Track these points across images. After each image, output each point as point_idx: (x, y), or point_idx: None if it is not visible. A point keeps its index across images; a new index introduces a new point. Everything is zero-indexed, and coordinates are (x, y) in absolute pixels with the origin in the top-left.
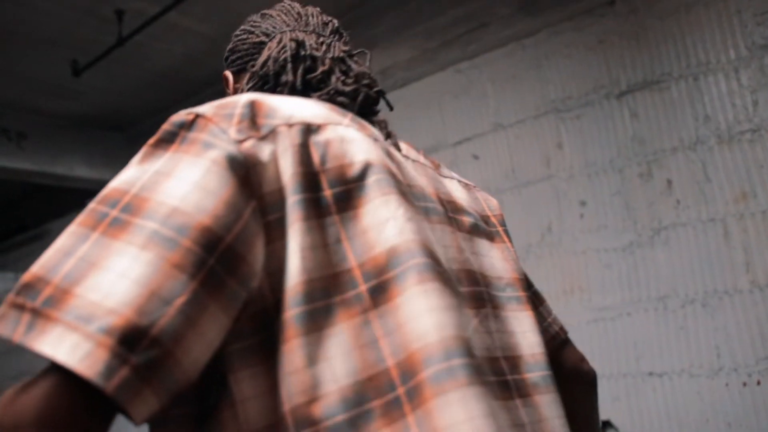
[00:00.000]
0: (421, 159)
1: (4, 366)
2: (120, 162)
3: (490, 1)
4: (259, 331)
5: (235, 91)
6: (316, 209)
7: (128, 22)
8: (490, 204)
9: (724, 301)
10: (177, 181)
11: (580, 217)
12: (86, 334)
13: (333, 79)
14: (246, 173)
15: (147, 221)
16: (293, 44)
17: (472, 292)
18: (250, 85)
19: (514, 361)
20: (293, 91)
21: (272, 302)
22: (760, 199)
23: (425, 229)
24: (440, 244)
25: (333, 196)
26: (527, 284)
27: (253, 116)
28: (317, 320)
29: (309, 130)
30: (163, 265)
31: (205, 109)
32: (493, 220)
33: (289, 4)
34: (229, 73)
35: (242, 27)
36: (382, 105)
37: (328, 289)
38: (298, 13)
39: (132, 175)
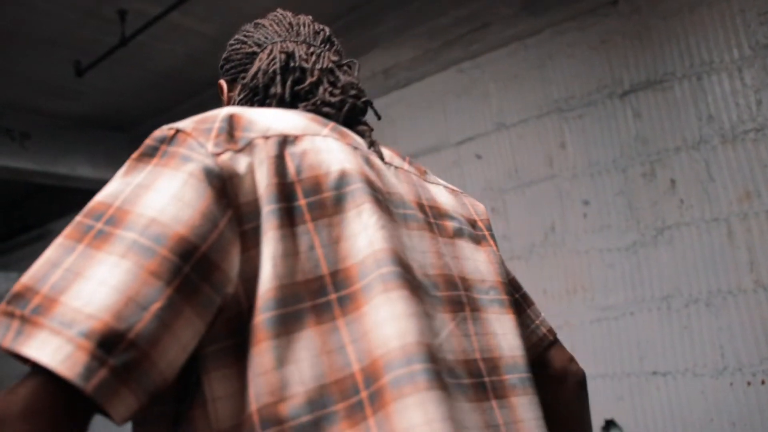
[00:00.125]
0: (405, 166)
1: (9, 366)
2: (122, 162)
3: (492, 0)
4: (233, 335)
5: (229, 100)
6: (289, 218)
7: (131, 22)
8: (477, 209)
9: (728, 300)
10: (156, 194)
11: (583, 217)
12: (68, 337)
13: (321, 89)
14: (222, 185)
15: (127, 232)
16: (283, 56)
17: (450, 296)
18: (241, 96)
19: (493, 363)
20: (282, 102)
21: (247, 307)
22: (764, 199)
23: (401, 235)
24: (418, 250)
25: (307, 205)
26: (513, 287)
27: (230, 130)
28: (287, 324)
29: (285, 141)
30: (141, 272)
31: (185, 124)
32: (480, 224)
33: (281, 14)
34: (223, 82)
35: (236, 36)
36: (380, 109)
37: (299, 295)
38: (290, 23)
39: (116, 188)
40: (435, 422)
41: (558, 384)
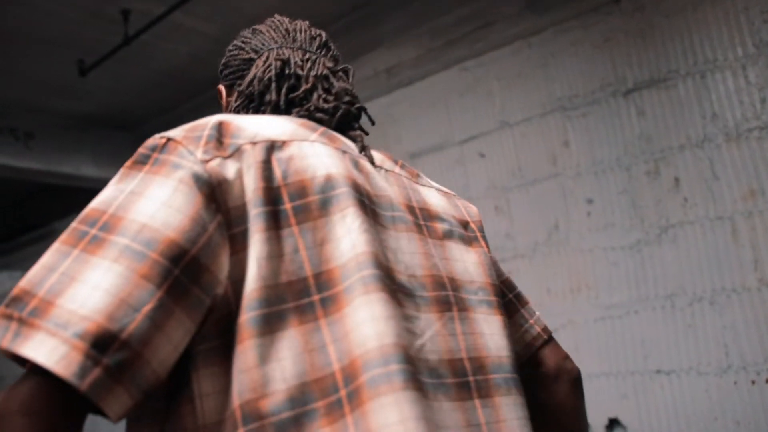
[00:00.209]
0: (396, 169)
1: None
2: (126, 161)
3: None
4: (223, 335)
5: (227, 105)
6: (275, 221)
7: (134, 22)
8: (469, 211)
9: (732, 299)
10: (148, 200)
11: (587, 215)
12: (63, 338)
13: (315, 96)
14: (211, 190)
15: (120, 237)
16: (278, 63)
17: (437, 296)
18: (237, 102)
19: (480, 362)
20: (276, 109)
21: (236, 308)
22: None
23: (387, 238)
24: (406, 252)
25: (293, 209)
26: (507, 287)
27: (219, 137)
28: (271, 324)
29: (273, 147)
30: (132, 276)
31: (176, 132)
32: (472, 225)
33: (278, 20)
34: (222, 87)
35: (234, 42)
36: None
37: (283, 296)
38: (286, 30)
39: (110, 195)
40: (409, 421)
41: (553, 382)
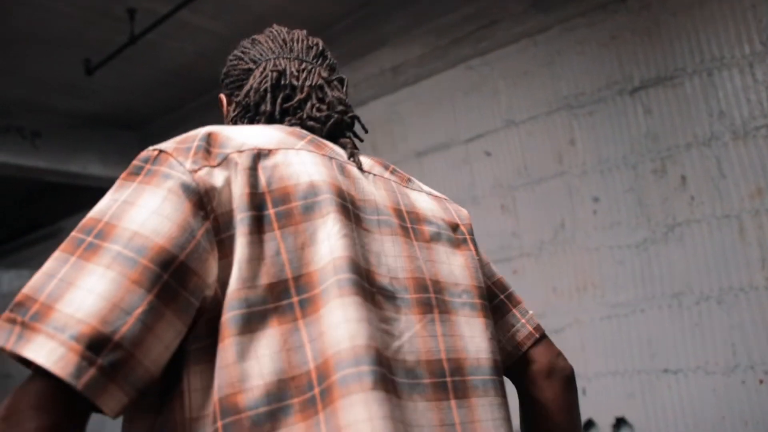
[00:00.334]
0: (386, 174)
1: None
2: (133, 160)
3: None
4: (212, 334)
5: (227, 114)
6: (258, 225)
7: (140, 20)
8: (460, 214)
9: (739, 298)
10: (139, 209)
11: (593, 214)
12: (60, 341)
13: (308, 105)
14: (199, 198)
15: (113, 244)
16: (275, 74)
17: (419, 299)
18: (235, 112)
19: (458, 363)
20: (271, 118)
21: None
22: None
23: (369, 242)
24: (390, 255)
25: (276, 214)
26: (499, 288)
27: (207, 147)
28: (251, 323)
29: (259, 155)
30: (124, 281)
31: (167, 144)
32: (462, 228)
33: (277, 30)
34: (223, 96)
35: (234, 52)
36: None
37: (264, 297)
38: (284, 40)
39: (105, 204)
40: (376, 420)
41: (545, 379)
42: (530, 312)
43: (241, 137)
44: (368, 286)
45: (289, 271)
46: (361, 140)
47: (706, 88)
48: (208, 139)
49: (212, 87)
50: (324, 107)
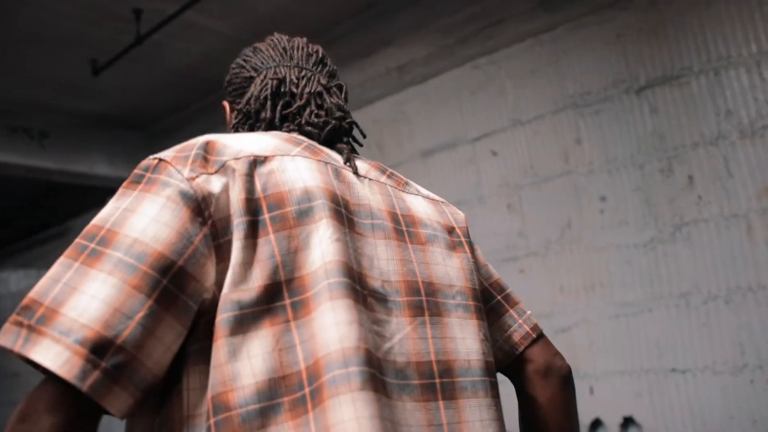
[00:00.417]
0: (382, 178)
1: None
2: (139, 160)
3: None
4: (210, 336)
5: (230, 120)
6: (253, 230)
7: (146, 21)
8: (456, 217)
9: (747, 297)
10: (139, 216)
11: (600, 213)
12: (66, 345)
13: (307, 111)
14: (197, 205)
15: (115, 251)
16: (275, 82)
17: (410, 301)
18: (237, 119)
19: (448, 365)
20: (271, 125)
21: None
22: None
23: (363, 245)
24: (382, 258)
25: (270, 218)
26: (496, 289)
27: (205, 155)
28: (244, 324)
29: (255, 162)
30: (125, 287)
31: (167, 153)
32: (458, 231)
33: (277, 38)
34: (226, 104)
35: (236, 60)
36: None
37: (257, 298)
38: (284, 48)
39: (107, 212)
40: (363, 419)
41: (542, 379)
42: (528, 312)
43: (238, 145)
44: (360, 289)
45: (282, 273)
46: (360, 144)
47: (713, 87)
48: (206, 147)
49: (218, 87)
50: (322, 113)
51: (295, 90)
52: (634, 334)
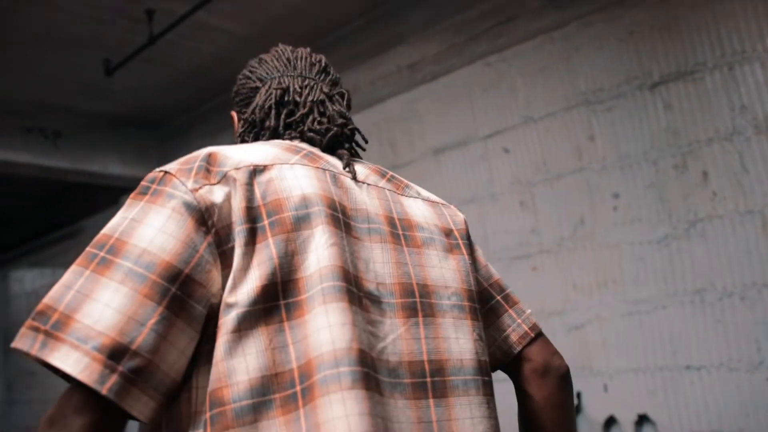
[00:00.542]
0: (381, 183)
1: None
2: (152, 159)
3: None
4: (215, 337)
5: (237, 129)
6: (253, 236)
7: (158, 21)
8: (455, 219)
9: (763, 294)
10: (146, 227)
11: (613, 210)
12: (84, 351)
13: (310, 119)
14: (200, 215)
15: (124, 261)
16: (278, 92)
17: (404, 303)
18: (242, 129)
19: (440, 365)
20: (275, 133)
21: None
22: None
23: (359, 249)
24: (378, 261)
25: (269, 224)
26: (495, 290)
27: (208, 167)
28: (241, 323)
29: (255, 171)
30: (137, 296)
31: (172, 166)
32: (456, 233)
33: (281, 49)
34: (234, 114)
35: (243, 71)
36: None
37: (254, 299)
38: (288, 59)
39: (116, 221)
40: (352, 416)
41: (540, 377)
42: (527, 312)
43: (239, 155)
44: (356, 291)
45: (279, 275)
46: (363, 149)
47: (727, 83)
48: (208, 159)
49: (229, 87)
50: (324, 120)
51: (298, 99)
52: (647, 331)
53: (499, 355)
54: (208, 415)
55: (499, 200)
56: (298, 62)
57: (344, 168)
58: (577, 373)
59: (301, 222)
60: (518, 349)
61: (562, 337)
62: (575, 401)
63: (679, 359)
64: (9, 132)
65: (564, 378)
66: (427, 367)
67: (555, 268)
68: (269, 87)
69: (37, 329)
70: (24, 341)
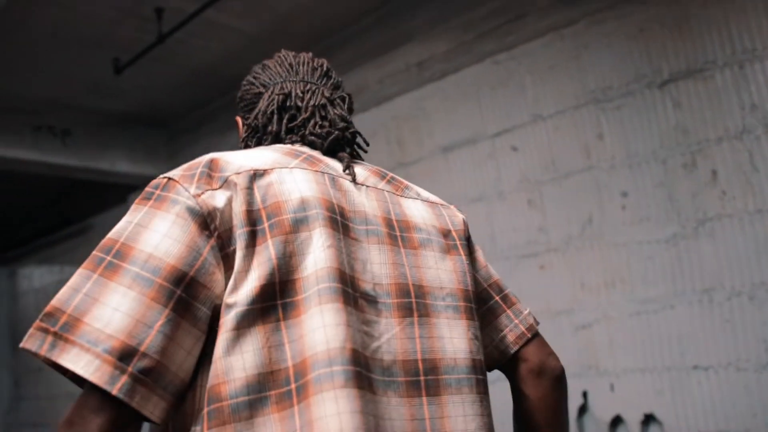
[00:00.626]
0: (380, 185)
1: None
2: (161, 157)
3: None
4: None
5: (242, 134)
6: (253, 239)
7: (167, 19)
8: (454, 220)
9: None
10: (152, 232)
11: (621, 209)
12: (95, 353)
13: (311, 123)
14: (203, 219)
15: (131, 266)
16: (281, 97)
17: (400, 303)
18: (246, 133)
19: (434, 363)
20: (277, 138)
21: None
22: None
23: (356, 250)
24: (375, 262)
25: (269, 226)
26: (494, 290)
27: (209, 172)
28: (240, 322)
29: (255, 175)
30: (144, 299)
31: (175, 172)
32: (454, 234)
33: (284, 55)
34: (239, 119)
35: (247, 77)
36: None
37: (253, 298)
38: (290, 64)
39: (122, 226)
40: (344, 414)
41: (536, 378)
42: (525, 312)
43: (239, 161)
44: (352, 291)
45: (277, 275)
46: (365, 151)
47: (737, 81)
48: (210, 165)
49: (238, 85)
50: (326, 124)
51: (300, 103)
52: (655, 330)
53: (497, 355)
54: (206, 410)
55: (507, 198)
56: (300, 67)
57: (344, 170)
58: (583, 373)
59: (299, 224)
60: (515, 349)
61: (569, 336)
62: (582, 400)
63: (687, 359)
64: (18, 130)
65: (559, 379)
66: (420, 365)
67: (563, 267)
68: (272, 92)
69: (46, 330)
70: (33, 342)
